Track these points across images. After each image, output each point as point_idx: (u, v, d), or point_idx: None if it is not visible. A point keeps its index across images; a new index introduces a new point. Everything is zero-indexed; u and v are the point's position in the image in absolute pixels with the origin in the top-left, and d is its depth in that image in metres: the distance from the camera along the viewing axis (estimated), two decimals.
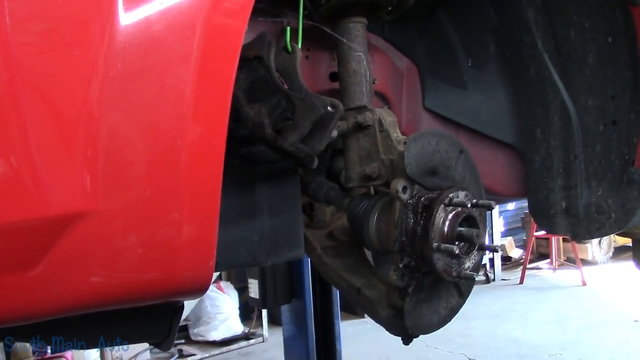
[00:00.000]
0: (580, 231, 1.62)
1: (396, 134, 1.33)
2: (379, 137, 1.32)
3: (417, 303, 1.31)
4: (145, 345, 4.97)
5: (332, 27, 1.35)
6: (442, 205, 1.23)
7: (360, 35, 1.34)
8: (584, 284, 7.44)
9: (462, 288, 1.41)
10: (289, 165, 1.40)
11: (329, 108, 1.13)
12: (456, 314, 1.42)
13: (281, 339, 3.92)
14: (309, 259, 1.72)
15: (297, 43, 1.18)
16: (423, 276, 1.30)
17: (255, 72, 1.16)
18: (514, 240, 9.20)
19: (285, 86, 1.16)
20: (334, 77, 1.54)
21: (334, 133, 1.20)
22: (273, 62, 1.16)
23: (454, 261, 1.24)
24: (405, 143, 1.28)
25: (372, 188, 1.54)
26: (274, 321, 5.98)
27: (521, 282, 7.84)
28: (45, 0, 0.83)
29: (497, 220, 8.38)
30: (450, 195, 1.24)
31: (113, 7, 0.85)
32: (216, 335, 5.61)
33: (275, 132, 1.14)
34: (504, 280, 8.08)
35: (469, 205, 1.24)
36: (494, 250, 1.42)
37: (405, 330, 1.32)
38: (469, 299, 1.44)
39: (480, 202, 1.25)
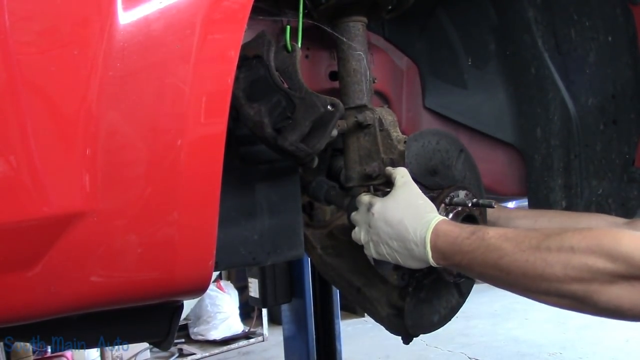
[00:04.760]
0: None
1: (396, 133, 1.32)
2: (379, 136, 1.31)
3: (417, 302, 1.31)
4: (145, 344, 4.97)
5: (332, 26, 1.35)
6: (443, 205, 1.23)
7: (360, 34, 1.33)
8: None
9: (462, 287, 1.41)
10: (289, 165, 1.40)
11: (329, 107, 1.13)
12: (456, 313, 1.41)
13: (281, 338, 3.92)
14: (309, 258, 1.71)
15: (297, 42, 1.18)
16: (423, 276, 1.30)
17: (255, 72, 1.16)
18: None
19: (285, 85, 1.16)
20: (333, 76, 1.54)
21: (334, 132, 1.20)
22: (273, 61, 1.16)
23: None
24: (405, 142, 1.28)
25: (372, 187, 1.53)
26: (274, 320, 5.98)
27: None
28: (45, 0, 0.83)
29: None
30: (451, 194, 1.24)
31: (112, 6, 0.85)
32: (216, 334, 5.61)
33: (275, 132, 1.14)
34: None
35: (469, 205, 1.24)
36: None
37: (406, 329, 1.32)
38: (469, 298, 1.44)
39: (481, 201, 1.25)
